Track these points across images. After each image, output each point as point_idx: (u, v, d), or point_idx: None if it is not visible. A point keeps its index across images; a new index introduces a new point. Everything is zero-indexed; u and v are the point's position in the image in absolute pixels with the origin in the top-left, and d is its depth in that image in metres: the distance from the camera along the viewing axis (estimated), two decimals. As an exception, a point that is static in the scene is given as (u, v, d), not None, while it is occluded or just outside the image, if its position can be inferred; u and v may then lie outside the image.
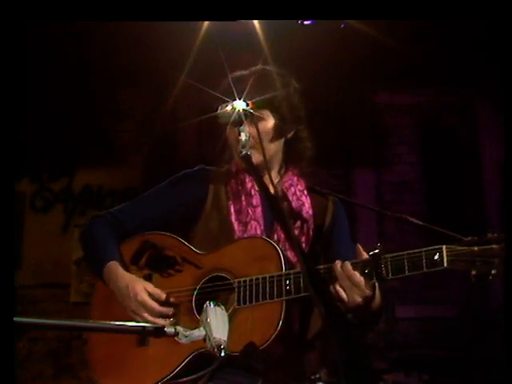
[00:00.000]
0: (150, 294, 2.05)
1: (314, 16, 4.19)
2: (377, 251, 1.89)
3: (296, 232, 2.13)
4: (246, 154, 1.79)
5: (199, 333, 1.53)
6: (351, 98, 5.97)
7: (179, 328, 1.51)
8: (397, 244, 6.10)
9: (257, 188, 2.18)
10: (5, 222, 1.57)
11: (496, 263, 1.78)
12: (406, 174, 6.26)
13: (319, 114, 5.82)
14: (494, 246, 1.80)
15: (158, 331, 1.51)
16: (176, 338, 1.50)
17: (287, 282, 1.94)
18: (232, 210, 2.15)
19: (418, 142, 6.28)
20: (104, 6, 3.00)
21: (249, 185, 2.17)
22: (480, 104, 6.15)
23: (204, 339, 1.53)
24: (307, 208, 2.19)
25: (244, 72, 2.23)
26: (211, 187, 2.22)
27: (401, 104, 6.31)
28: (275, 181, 2.20)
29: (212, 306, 1.58)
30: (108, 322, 1.78)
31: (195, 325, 1.82)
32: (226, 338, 1.52)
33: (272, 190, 2.04)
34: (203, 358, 1.86)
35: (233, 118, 1.86)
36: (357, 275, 1.88)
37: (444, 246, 1.84)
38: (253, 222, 2.12)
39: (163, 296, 2.06)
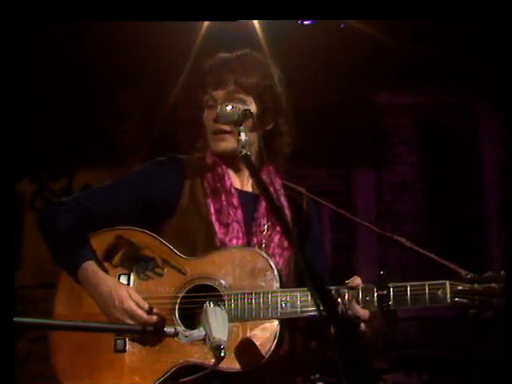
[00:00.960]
0: (136, 302, 1.91)
1: (314, 16, 4.19)
2: (382, 280, 1.88)
3: (277, 237, 2.05)
4: (246, 153, 1.79)
5: (199, 333, 1.53)
6: (351, 97, 5.97)
7: (179, 328, 1.51)
8: (395, 246, 6.09)
9: (237, 187, 2.11)
10: (5, 222, 1.57)
11: (494, 303, 1.81)
12: (406, 173, 6.25)
13: (319, 114, 5.84)
14: (494, 285, 1.82)
15: (158, 331, 1.51)
16: (176, 338, 1.50)
17: (283, 302, 1.88)
18: (212, 209, 2.04)
19: (418, 141, 6.28)
20: (104, 5, 3.00)
21: (228, 183, 2.08)
22: (480, 104, 6.15)
23: (204, 339, 1.53)
24: (285, 209, 2.13)
25: (229, 54, 2.16)
26: (187, 180, 2.09)
27: (401, 104, 6.31)
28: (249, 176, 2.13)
29: (212, 305, 1.58)
30: (108, 323, 1.78)
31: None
32: (226, 338, 1.52)
33: (272, 191, 2.03)
34: (187, 370, 1.81)
35: (233, 118, 1.86)
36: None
37: (447, 282, 1.86)
38: (235, 224, 2.03)
39: (146, 306, 1.90)
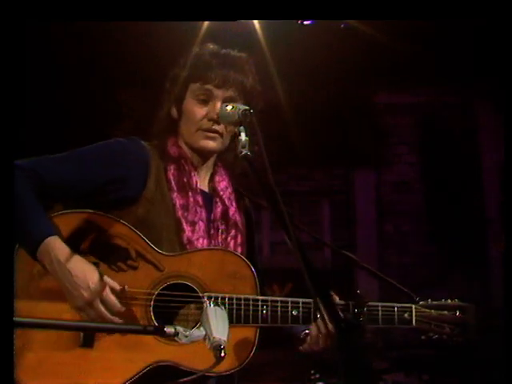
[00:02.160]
0: (110, 286, 1.78)
1: (314, 16, 4.19)
2: (359, 298, 1.97)
3: (232, 242, 2.03)
4: (246, 153, 1.78)
5: (199, 333, 1.53)
6: (351, 98, 5.97)
7: (179, 328, 1.50)
8: (395, 246, 6.11)
9: (201, 187, 2.06)
10: (5, 222, 1.57)
11: (446, 330, 2.06)
12: (406, 174, 6.26)
13: (319, 114, 5.84)
14: (446, 312, 2.05)
15: (158, 331, 1.50)
16: (176, 338, 1.50)
17: (264, 308, 1.89)
18: (178, 204, 1.97)
19: (418, 141, 6.29)
20: (104, 6, 3.00)
21: (194, 179, 2.04)
22: (480, 104, 6.16)
23: (204, 339, 1.53)
24: (240, 216, 2.12)
25: (225, 51, 2.12)
26: (151, 169, 1.99)
27: (401, 104, 6.32)
28: (207, 175, 2.11)
29: (212, 305, 1.58)
30: (108, 323, 1.78)
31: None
32: (226, 338, 1.51)
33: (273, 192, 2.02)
34: (162, 370, 1.79)
35: (233, 118, 1.85)
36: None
37: (413, 306, 2.03)
38: (201, 222, 1.99)
39: (118, 287, 1.80)
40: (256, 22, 4.61)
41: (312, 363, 4.71)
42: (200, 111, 2.03)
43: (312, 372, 4.55)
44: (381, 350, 5.26)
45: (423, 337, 2.05)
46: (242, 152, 1.74)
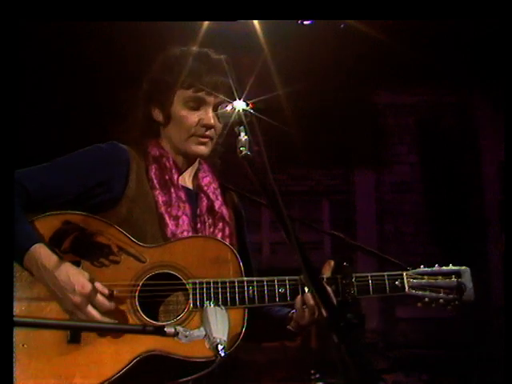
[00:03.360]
0: (96, 287, 1.79)
1: (314, 16, 4.19)
2: (346, 270, 1.95)
3: (219, 235, 2.05)
4: (247, 153, 1.78)
5: (199, 333, 1.53)
6: (351, 98, 5.97)
7: (179, 328, 1.51)
8: (395, 246, 6.11)
9: (185, 184, 2.10)
10: (5, 222, 1.57)
11: (441, 293, 2.00)
12: (406, 173, 6.26)
13: (319, 114, 5.85)
14: (441, 278, 2.02)
15: (158, 331, 1.50)
16: (176, 338, 1.50)
17: (250, 289, 1.89)
18: (160, 201, 2.00)
19: (418, 142, 6.29)
20: (104, 6, 3.00)
21: (175, 176, 2.07)
22: (480, 104, 6.16)
23: (204, 339, 1.53)
24: (226, 209, 2.14)
25: (210, 53, 2.15)
26: (132, 169, 2.02)
27: (401, 104, 6.32)
28: (192, 173, 2.15)
29: (212, 305, 1.58)
30: (108, 323, 1.78)
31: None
32: (226, 338, 1.51)
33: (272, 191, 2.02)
34: (152, 360, 1.77)
35: (233, 118, 1.85)
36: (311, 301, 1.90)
37: (404, 273, 2.00)
38: (184, 217, 2.01)
39: (106, 291, 1.81)
40: (256, 22, 4.61)
41: (312, 363, 4.72)
42: (192, 118, 2.06)
43: (312, 372, 4.55)
44: (381, 349, 5.26)
45: (419, 304, 2.00)
46: (242, 152, 1.74)
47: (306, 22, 4.85)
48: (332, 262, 1.98)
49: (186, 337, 1.50)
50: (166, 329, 1.49)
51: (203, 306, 1.83)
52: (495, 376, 4.30)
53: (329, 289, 1.92)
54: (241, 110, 1.82)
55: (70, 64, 5.39)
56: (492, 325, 5.14)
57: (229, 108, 1.85)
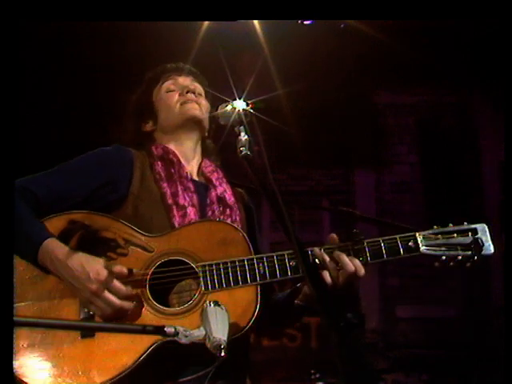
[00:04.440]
0: (112, 273, 1.79)
1: (314, 16, 4.19)
2: (356, 236, 1.92)
3: (229, 220, 2.07)
4: (247, 153, 1.78)
5: (199, 333, 1.53)
6: (351, 98, 5.98)
7: (179, 328, 1.51)
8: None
9: (192, 176, 2.14)
10: (5, 222, 1.57)
11: (458, 251, 1.96)
12: (406, 173, 6.26)
13: (319, 114, 5.85)
14: (455, 236, 2.00)
15: (158, 331, 1.50)
16: (176, 338, 1.50)
17: (260, 265, 1.89)
18: (168, 192, 2.03)
19: (418, 141, 6.30)
20: (104, 6, 3.00)
21: (183, 168, 2.12)
22: (480, 104, 6.16)
23: (204, 339, 1.53)
24: (230, 195, 2.17)
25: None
26: (136, 168, 2.06)
27: (401, 104, 6.33)
28: (196, 167, 2.21)
29: (212, 305, 1.58)
30: (108, 322, 1.78)
31: (154, 313, 1.79)
32: (226, 338, 1.51)
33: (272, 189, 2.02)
34: (166, 349, 1.75)
35: (233, 118, 1.86)
36: (344, 256, 1.89)
37: (417, 233, 1.97)
38: (191, 207, 2.03)
39: (125, 270, 1.81)
40: (256, 22, 4.61)
41: (312, 363, 4.72)
42: (173, 94, 2.24)
43: (312, 372, 4.55)
44: (381, 349, 5.26)
45: (436, 263, 1.95)
46: (241, 152, 1.74)
47: (306, 22, 4.85)
48: (334, 235, 1.96)
49: (186, 336, 1.51)
50: (166, 329, 1.49)
51: (214, 287, 1.84)
52: (495, 376, 4.30)
53: (329, 289, 1.92)
54: (241, 110, 1.82)
55: (69, 64, 5.38)
56: (492, 325, 5.14)
57: (229, 108, 1.85)
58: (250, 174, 1.98)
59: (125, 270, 1.81)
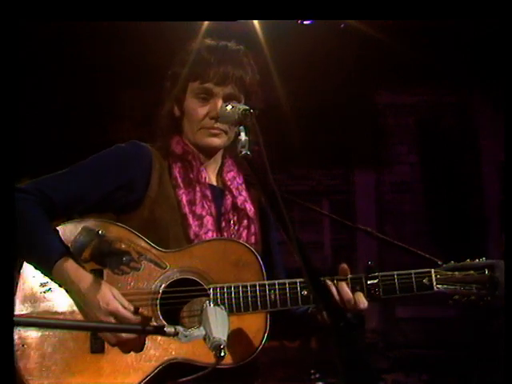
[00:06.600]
0: (122, 304, 1.78)
1: (314, 16, 4.19)
2: (371, 271, 1.88)
3: (244, 233, 2.01)
4: (247, 153, 1.77)
5: (199, 333, 1.53)
6: (351, 98, 5.98)
7: (179, 328, 1.50)
8: (397, 249, 6.11)
9: (210, 181, 2.06)
10: (5, 222, 1.57)
11: (474, 290, 1.90)
12: (406, 174, 6.26)
13: (319, 114, 5.85)
14: (473, 272, 1.92)
15: (158, 331, 1.50)
16: (176, 338, 1.50)
17: (272, 292, 1.84)
18: (184, 200, 1.97)
19: (418, 141, 6.30)
20: (104, 6, 3.00)
21: (202, 174, 2.02)
22: (480, 104, 6.16)
23: (204, 339, 1.53)
24: (250, 205, 2.08)
25: (222, 44, 2.08)
26: (154, 169, 1.98)
27: (401, 104, 6.32)
28: (216, 170, 2.11)
29: (212, 305, 1.58)
30: (107, 323, 1.77)
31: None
32: (225, 338, 1.51)
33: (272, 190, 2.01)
34: (175, 368, 1.76)
35: (233, 117, 1.85)
36: (349, 293, 1.85)
37: (432, 270, 1.91)
38: (208, 217, 1.97)
39: (132, 307, 1.78)
40: (256, 22, 4.61)
41: (312, 363, 4.72)
42: (201, 110, 2.02)
43: (312, 372, 4.55)
44: (381, 350, 5.26)
45: (450, 301, 1.89)
46: (241, 152, 1.73)
47: (305, 22, 4.85)
48: (345, 266, 1.90)
49: (186, 336, 1.50)
50: (165, 328, 1.49)
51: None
52: (495, 376, 4.30)
53: (329, 289, 1.88)
54: (241, 110, 1.82)
55: (69, 64, 5.38)
56: (492, 325, 5.14)
57: (229, 108, 1.84)
58: (250, 174, 1.97)
59: (131, 307, 1.79)
